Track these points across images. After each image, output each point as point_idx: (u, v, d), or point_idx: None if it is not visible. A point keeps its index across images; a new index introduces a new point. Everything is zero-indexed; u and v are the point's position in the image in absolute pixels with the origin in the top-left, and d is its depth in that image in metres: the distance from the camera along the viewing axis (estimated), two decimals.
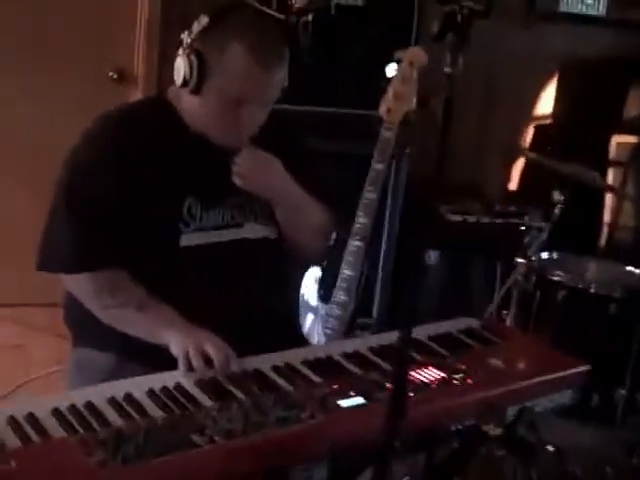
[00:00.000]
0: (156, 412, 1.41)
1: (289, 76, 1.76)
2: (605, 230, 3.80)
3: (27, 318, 3.49)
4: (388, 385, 1.51)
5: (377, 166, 2.23)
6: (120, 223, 1.70)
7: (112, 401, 1.44)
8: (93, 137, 1.76)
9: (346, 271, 2.24)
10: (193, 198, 1.76)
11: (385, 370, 1.63)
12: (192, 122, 1.77)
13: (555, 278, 2.72)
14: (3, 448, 1.27)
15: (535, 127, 4.24)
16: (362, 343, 1.78)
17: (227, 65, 1.66)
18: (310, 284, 2.45)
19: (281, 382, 1.56)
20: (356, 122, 3.24)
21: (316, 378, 1.59)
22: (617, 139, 3.82)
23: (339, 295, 2.25)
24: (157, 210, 1.72)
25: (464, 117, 3.77)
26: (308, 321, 2.40)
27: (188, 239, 1.76)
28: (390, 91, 2.25)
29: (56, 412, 1.38)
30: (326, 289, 2.36)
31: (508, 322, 2.82)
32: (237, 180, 1.79)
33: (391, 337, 1.78)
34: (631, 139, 3.83)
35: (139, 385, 1.50)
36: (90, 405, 1.41)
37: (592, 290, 2.67)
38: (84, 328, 1.82)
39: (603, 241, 3.80)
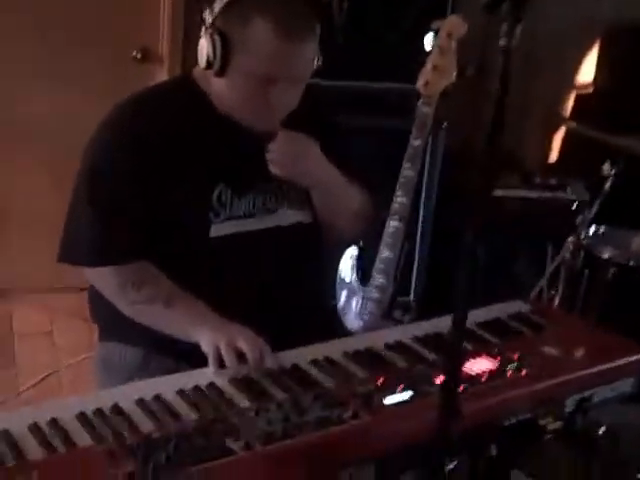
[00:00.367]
0: (187, 414, 1.32)
1: (322, 51, 1.65)
2: None
3: (55, 303, 3.44)
4: (436, 378, 1.42)
5: (415, 142, 2.13)
6: (144, 214, 1.62)
7: (140, 403, 1.35)
8: (109, 127, 1.67)
9: (385, 253, 2.15)
10: (224, 185, 1.67)
11: (432, 361, 1.54)
12: (220, 104, 1.67)
13: (604, 255, 2.63)
14: (25, 458, 1.19)
15: (577, 96, 4.07)
16: (404, 332, 1.69)
17: (251, 41, 1.55)
18: (345, 260, 2.36)
19: (321, 377, 1.46)
20: (392, 96, 3.11)
21: (358, 372, 1.49)
22: None
23: (378, 278, 2.16)
24: (185, 199, 1.64)
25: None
26: (342, 297, 2.32)
27: (218, 229, 1.67)
28: (428, 63, 2.14)
29: (81, 416, 1.30)
30: (364, 271, 2.26)
31: (556, 303, 2.71)
32: (273, 168, 1.69)
33: (435, 325, 1.70)
34: None
35: (169, 384, 1.41)
36: (117, 408, 1.33)
37: None
38: (110, 323, 1.76)
39: None
